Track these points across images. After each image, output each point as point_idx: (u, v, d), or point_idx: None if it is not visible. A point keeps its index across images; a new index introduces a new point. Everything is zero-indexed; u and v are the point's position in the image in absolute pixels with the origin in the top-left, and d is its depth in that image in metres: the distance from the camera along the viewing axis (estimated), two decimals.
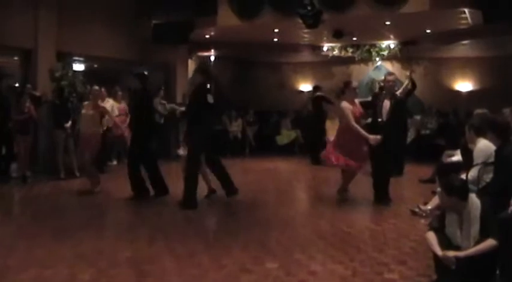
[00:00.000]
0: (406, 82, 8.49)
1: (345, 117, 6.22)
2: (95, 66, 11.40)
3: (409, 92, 8.94)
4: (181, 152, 6.77)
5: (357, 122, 6.17)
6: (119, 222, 5.73)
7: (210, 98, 6.38)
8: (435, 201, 5.38)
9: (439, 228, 3.61)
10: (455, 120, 11.43)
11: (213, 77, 14.21)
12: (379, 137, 5.93)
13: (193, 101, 6.43)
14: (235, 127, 13.28)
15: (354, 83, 6.60)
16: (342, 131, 6.38)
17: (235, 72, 15.31)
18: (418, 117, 11.90)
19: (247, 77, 15.09)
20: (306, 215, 6.20)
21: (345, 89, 6.49)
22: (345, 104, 6.26)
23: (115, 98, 10.30)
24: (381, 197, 6.33)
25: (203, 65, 13.45)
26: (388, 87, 6.43)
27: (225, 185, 6.72)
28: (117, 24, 10.94)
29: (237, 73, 15.28)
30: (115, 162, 10.37)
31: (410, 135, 11.42)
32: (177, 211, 6.09)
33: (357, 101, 6.48)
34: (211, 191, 6.80)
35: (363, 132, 6.04)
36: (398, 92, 6.78)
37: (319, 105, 10.78)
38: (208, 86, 6.63)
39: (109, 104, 9.61)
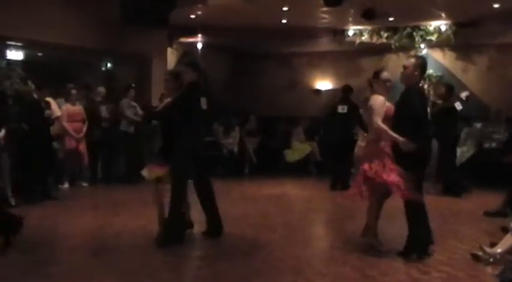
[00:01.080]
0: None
1: (372, 114, 6.00)
2: (41, 55, 11.36)
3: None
4: (146, 173, 6.60)
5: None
6: (73, 267, 5.60)
7: (204, 103, 6.44)
8: (508, 241, 5.28)
9: None
10: None
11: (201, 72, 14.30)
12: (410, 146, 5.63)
13: (181, 105, 6.41)
14: (231, 139, 13.25)
15: (385, 74, 6.29)
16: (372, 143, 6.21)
17: (230, 66, 15.33)
18: (478, 126, 11.77)
19: (247, 72, 15.10)
20: (325, 260, 6.08)
21: (373, 81, 6.30)
22: (376, 98, 6.08)
23: (68, 99, 10.24)
24: (410, 241, 5.97)
25: (192, 56, 13.63)
26: (403, 75, 5.99)
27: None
28: (74, 1, 10.92)
29: (233, 67, 15.30)
30: (67, 185, 10.35)
31: (468, 150, 11.30)
32: (152, 253, 6.04)
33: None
34: (188, 226, 6.86)
35: (392, 133, 5.80)
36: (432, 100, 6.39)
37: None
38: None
39: (53, 105, 9.52)
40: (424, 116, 5.86)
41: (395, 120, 5.90)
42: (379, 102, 6.04)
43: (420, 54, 13.29)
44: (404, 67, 5.96)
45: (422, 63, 5.97)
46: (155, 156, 6.97)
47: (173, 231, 6.33)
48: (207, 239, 6.68)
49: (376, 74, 6.30)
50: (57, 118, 9.76)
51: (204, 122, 6.74)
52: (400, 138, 5.66)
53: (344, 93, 10.95)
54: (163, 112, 6.76)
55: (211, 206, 6.79)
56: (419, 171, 5.86)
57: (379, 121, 5.92)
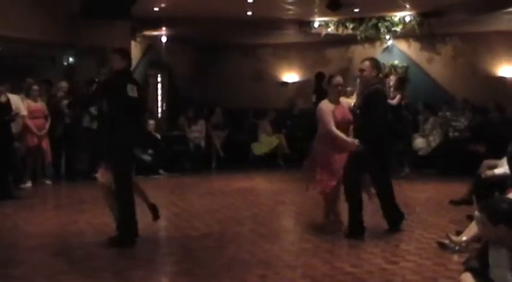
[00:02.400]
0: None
1: (321, 121, 6.40)
2: None
3: None
4: (100, 178, 6.44)
5: (340, 128, 6.34)
6: (36, 267, 5.53)
7: (132, 90, 6.19)
8: (472, 229, 5.36)
9: (480, 269, 3.52)
10: (498, 118, 11.49)
11: (164, 66, 14.23)
12: (356, 141, 6.13)
13: (102, 92, 6.34)
14: (197, 133, 13.20)
15: (337, 79, 6.56)
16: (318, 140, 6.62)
17: (195, 59, 15.25)
18: (446, 114, 11.95)
19: (212, 65, 15.04)
20: (294, 253, 6.10)
21: (327, 85, 6.68)
22: (323, 105, 6.46)
23: (29, 95, 10.07)
24: (351, 227, 6.41)
25: (155, 50, 13.53)
26: (362, 77, 6.43)
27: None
28: None
29: (199, 60, 15.23)
30: (29, 184, 10.16)
31: (434, 140, 11.47)
32: (118, 250, 5.97)
33: (344, 101, 6.59)
34: (152, 208, 6.65)
35: (341, 135, 6.26)
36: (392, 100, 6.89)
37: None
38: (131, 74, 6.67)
39: (14, 101, 9.39)
40: (385, 120, 6.38)
41: (358, 122, 6.26)
42: (323, 110, 6.39)
43: (386, 44, 13.54)
44: (362, 70, 6.30)
45: (376, 63, 6.43)
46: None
47: (127, 230, 6.14)
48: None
49: (329, 79, 6.62)
50: (23, 117, 9.67)
51: (135, 110, 6.37)
52: (348, 140, 6.15)
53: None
54: (82, 101, 6.63)
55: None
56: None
57: (332, 128, 6.28)
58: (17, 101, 9.58)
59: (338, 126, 6.32)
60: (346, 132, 6.39)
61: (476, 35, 12.87)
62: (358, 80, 7.79)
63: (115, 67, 6.31)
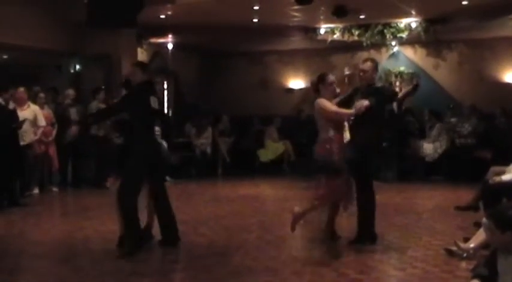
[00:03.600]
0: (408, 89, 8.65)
1: (324, 112, 6.15)
2: (4, 58, 11.20)
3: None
4: (110, 183, 6.50)
5: (335, 125, 6.19)
6: (42, 274, 5.53)
7: (155, 102, 6.26)
8: (480, 236, 5.33)
9: (489, 277, 3.52)
10: (505, 124, 11.45)
11: (171, 73, 14.26)
12: (365, 102, 5.87)
13: (125, 105, 6.35)
14: (204, 139, 13.22)
15: (331, 77, 6.42)
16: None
17: (202, 66, 15.29)
18: (450, 120, 11.91)
19: (219, 72, 15.08)
20: (301, 259, 6.07)
21: (319, 85, 6.42)
22: (322, 101, 6.22)
23: (35, 102, 10.13)
24: (363, 233, 6.37)
25: (161, 57, 13.57)
26: (363, 79, 6.36)
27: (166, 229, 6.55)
28: (39, 2, 10.78)
29: (205, 67, 15.26)
30: (36, 191, 10.17)
31: (441, 146, 11.44)
32: (121, 257, 5.93)
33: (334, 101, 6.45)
34: (145, 229, 6.66)
35: (343, 110, 6.12)
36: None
37: None
38: (155, 86, 6.74)
39: (31, 110, 9.45)
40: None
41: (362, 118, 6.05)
42: (326, 102, 6.18)
43: (392, 51, 13.53)
44: (364, 71, 6.30)
45: (377, 65, 6.53)
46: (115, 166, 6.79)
47: (133, 236, 6.14)
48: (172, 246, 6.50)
49: (322, 78, 6.43)
50: (40, 128, 9.85)
51: (155, 121, 6.48)
52: (352, 110, 5.96)
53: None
54: (104, 113, 6.65)
55: (165, 212, 6.53)
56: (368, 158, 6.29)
57: (333, 107, 6.14)
58: (38, 113, 9.74)
59: (334, 123, 6.18)
60: (341, 129, 6.29)
61: (482, 41, 12.88)
62: (347, 80, 7.81)
63: (137, 79, 6.36)
